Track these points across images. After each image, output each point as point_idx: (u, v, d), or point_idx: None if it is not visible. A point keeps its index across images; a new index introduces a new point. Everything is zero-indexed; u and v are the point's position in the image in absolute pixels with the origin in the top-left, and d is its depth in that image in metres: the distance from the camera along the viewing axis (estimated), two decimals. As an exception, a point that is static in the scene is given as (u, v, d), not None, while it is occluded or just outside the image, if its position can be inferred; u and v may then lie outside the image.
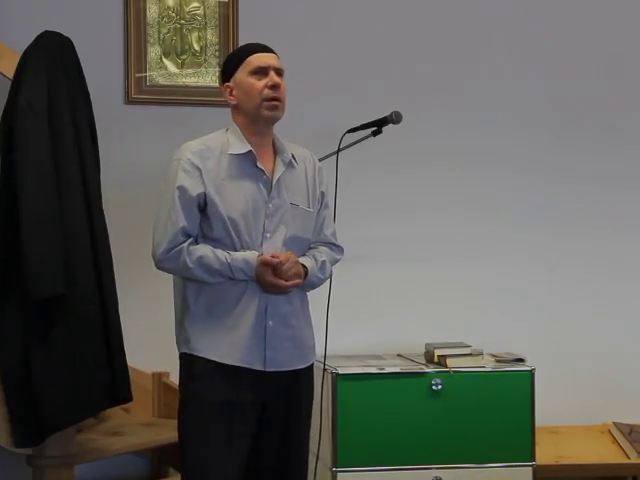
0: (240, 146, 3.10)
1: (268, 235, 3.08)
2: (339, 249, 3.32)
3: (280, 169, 3.15)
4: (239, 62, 3.12)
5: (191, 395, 3.06)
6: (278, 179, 3.13)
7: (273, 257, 3.02)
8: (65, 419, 3.38)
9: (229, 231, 3.03)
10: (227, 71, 3.17)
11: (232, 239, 3.04)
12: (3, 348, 3.37)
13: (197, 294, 3.07)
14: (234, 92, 3.12)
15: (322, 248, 3.25)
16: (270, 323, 3.06)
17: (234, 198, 3.04)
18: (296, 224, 3.15)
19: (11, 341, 3.37)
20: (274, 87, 3.09)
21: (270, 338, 3.06)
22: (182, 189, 3.02)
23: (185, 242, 3.02)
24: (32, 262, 3.30)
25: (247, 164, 3.10)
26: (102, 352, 3.44)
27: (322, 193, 3.26)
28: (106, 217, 3.56)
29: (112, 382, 3.45)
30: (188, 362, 3.08)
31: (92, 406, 3.48)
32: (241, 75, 3.11)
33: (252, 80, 3.09)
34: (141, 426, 3.94)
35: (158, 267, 3.08)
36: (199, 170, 3.04)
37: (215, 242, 3.04)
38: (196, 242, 3.06)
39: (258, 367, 3.04)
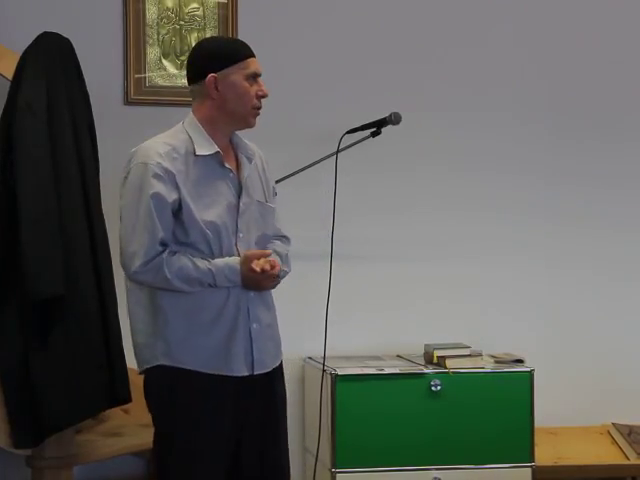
0: (208, 147, 2.99)
1: (241, 235, 3.01)
2: (289, 240, 3.25)
3: (246, 167, 3.08)
4: (236, 60, 3.00)
5: (178, 414, 2.94)
6: (245, 175, 3.06)
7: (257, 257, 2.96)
8: (64, 420, 3.39)
9: (206, 235, 2.93)
10: (216, 62, 3.00)
11: (208, 243, 2.94)
12: (3, 348, 3.38)
13: (175, 303, 2.94)
14: (219, 87, 3.00)
15: (277, 242, 3.18)
16: (254, 326, 3.00)
17: (208, 200, 2.95)
18: (265, 222, 3.10)
19: (11, 342, 3.38)
20: (262, 97, 3.04)
21: (256, 341, 3.00)
22: (158, 197, 2.88)
23: (163, 253, 2.90)
24: (31, 262, 3.31)
25: (214, 164, 3.01)
26: (101, 353, 3.45)
27: (274, 188, 3.21)
28: (105, 218, 3.56)
29: (111, 383, 3.46)
30: (167, 375, 2.95)
31: (91, 407, 3.49)
32: (236, 75, 2.99)
33: (247, 84, 3.00)
34: (140, 427, 3.93)
35: (133, 279, 2.95)
36: (171, 174, 2.92)
37: (189, 246, 2.94)
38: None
39: (246, 372, 2.98)
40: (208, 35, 4.30)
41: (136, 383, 3.66)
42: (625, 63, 4.75)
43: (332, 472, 3.95)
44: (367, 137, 4.01)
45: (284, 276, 3.12)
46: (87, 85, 3.61)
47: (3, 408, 3.37)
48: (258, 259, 2.94)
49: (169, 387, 2.95)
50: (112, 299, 3.51)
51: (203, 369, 2.93)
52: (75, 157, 3.48)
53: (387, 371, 4.03)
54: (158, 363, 2.96)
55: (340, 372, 3.97)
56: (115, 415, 3.96)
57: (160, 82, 4.30)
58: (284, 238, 3.23)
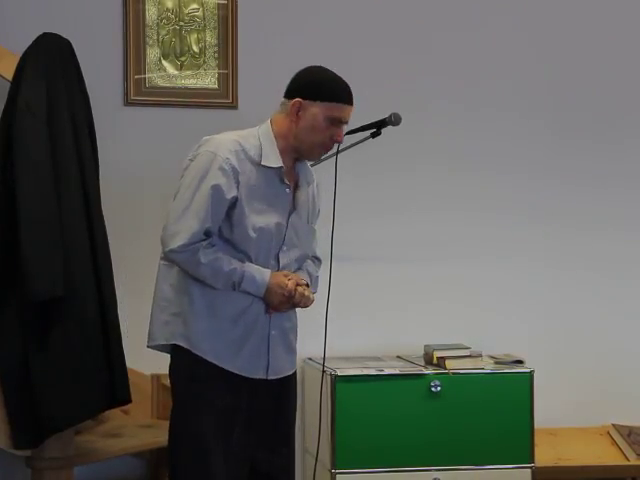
0: (274, 160, 3.08)
1: (285, 248, 3.10)
2: (320, 262, 3.35)
3: (304, 189, 3.18)
4: (326, 98, 3.08)
5: (193, 398, 3.04)
6: (299, 196, 3.16)
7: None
8: (64, 421, 3.39)
9: (249, 237, 3.01)
10: (309, 90, 3.09)
11: (250, 245, 3.02)
12: (3, 349, 3.38)
13: (202, 291, 3.02)
14: (299, 113, 3.08)
15: (309, 262, 3.28)
16: (273, 332, 3.09)
17: (260, 207, 3.04)
18: (307, 241, 3.21)
19: (10, 342, 3.37)
20: (335, 142, 3.13)
21: (273, 347, 3.09)
22: (217, 189, 2.97)
23: (204, 241, 2.98)
24: (30, 263, 3.30)
25: (275, 177, 3.09)
26: (101, 354, 3.44)
27: (319, 211, 3.32)
28: (105, 219, 3.56)
29: (111, 384, 3.46)
30: (189, 360, 3.03)
31: (91, 408, 3.48)
32: (319, 111, 3.07)
33: (325, 124, 3.08)
34: (140, 428, 3.94)
35: (168, 255, 3.03)
36: (236, 172, 3.00)
37: (230, 245, 3.03)
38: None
39: (261, 375, 3.06)
40: (208, 36, 4.31)
41: (135, 384, 3.67)
42: (626, 62, 4.75)
43: (332, 473, 3.96)
44: (367, 138, 4.00)
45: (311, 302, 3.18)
46: (87, 86, 3.60)
47: (3, 409, 3.37)
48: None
49: (190, 374, 3.04)
50: (112, 299, 3.51)
51: (215, 362, 3.01)
52: (75, 157, 3.48)
53: (387, 372, 4.03)
54: (175, 342, 3.05)
55: (340, 373, 3.98)
56: (115, 416, 3.97)
57: (160, 83, 4.30)
58: (316, 259, 3.33)
